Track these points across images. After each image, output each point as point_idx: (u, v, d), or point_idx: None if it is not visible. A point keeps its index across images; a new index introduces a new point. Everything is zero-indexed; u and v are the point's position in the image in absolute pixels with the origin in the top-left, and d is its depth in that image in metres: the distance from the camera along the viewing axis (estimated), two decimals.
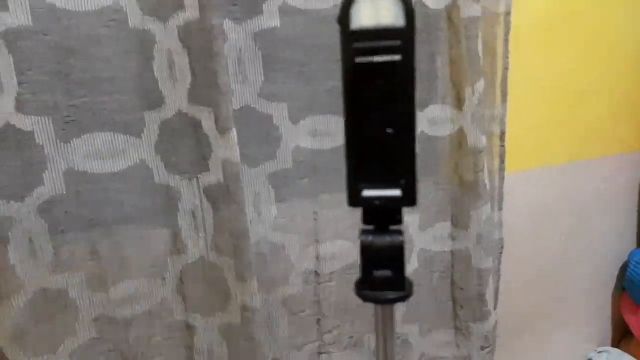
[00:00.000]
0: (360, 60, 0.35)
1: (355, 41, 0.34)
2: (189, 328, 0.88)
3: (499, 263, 1.16)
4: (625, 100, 1.32)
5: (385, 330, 0.44)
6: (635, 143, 1.39)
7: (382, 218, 0.40)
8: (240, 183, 0.78)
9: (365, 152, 0.38)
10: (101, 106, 0.77)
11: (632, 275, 1.39)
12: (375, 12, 0.33)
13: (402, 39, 0.34)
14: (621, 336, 1.51)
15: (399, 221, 0.40)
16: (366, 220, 0.40)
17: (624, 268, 1.45)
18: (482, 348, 1.13)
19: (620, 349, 1.44)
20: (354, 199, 0.39)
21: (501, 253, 1.16)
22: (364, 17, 0.33)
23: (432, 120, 1.01)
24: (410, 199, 0.38)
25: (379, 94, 0.35)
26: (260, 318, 0.86)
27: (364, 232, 0.40)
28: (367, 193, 0.39)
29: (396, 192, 0.37)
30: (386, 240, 0.39)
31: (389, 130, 0.36)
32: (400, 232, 0.40)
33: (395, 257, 0.39)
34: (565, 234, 1.32)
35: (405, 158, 0.37)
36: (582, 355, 1.42)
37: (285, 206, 0.93)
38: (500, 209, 1.12)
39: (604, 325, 1.49)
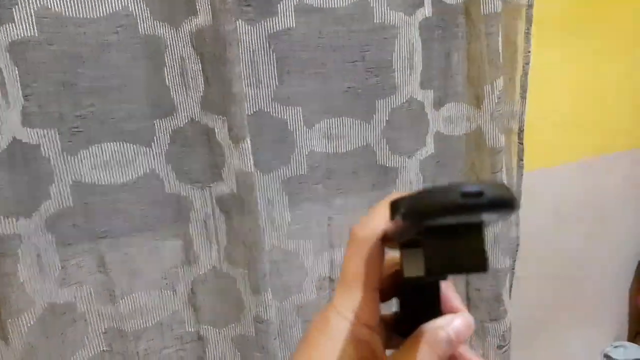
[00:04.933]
0: None
1: None
2: (201, 339, 0.86)
3: (514, 261, 1.13)
4: None
5: None
6: None
7: None
8: (254, 193, 0.75)
9: None
10: (109, 115, 0.74)
11: None
12: None
13: None
14: (637, 331, 1.50)
15: None
16: None
17: None
18: (499, 347, 1.11)
19: (636, 344, 1.42)
20: None
21: (516, 251, 1.13)
22: None
23: (448, 119, 0.98)
24: None
25: None
26: (274, 330, 0.84)
27: None
28: None
29: None
30: None
31: None
32: None
33: None
34: (584, 231, 1.30)
35: None
36: (598, 351, 1.41)
37: (299, 212, 0.90)
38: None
39: (621, 320, 1.47)
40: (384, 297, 0.32)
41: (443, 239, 0.25)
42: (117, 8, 0.70)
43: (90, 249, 0.77)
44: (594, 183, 1.27)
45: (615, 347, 1.41)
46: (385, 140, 0.92)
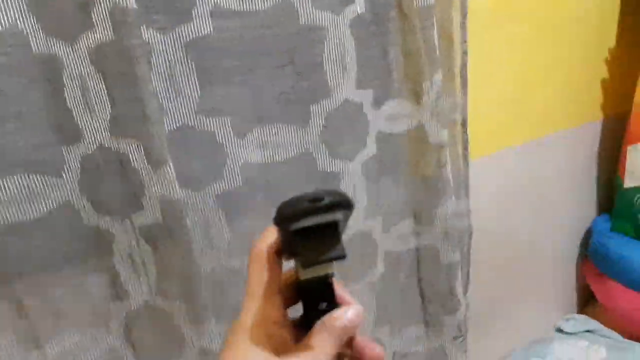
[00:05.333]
0: None
1: None
2: None
3: (469, 249, 1.12)
4: (579, 73, 1.29)
5: None
6: (591, 114, 1.37)
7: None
8: (182, 220, 0.70)
9: None
10: (11, 145, 0.66)
11: (596, 244, 1.40)
12: None
13: None
14: (585, 303, 1.54)
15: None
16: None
17: (587, 237, 1.47)
18: (455, 338, 1.11)
19: (585, 315, 1.47)
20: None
21: (470, 241, 1.12)
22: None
23: (389, 117, 0.94)
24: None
25: None
26: None
27: None
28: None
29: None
30: None
31: None
32: None
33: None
34: (531, 212, 1.31)
35: None
36: (551, 325, 1.44)
37: (239, 228, 0.85)
38: (467, 196, 1.08)
39: (570, 294, 1.51)
40: (291, 302, 0.38)
41: (309, 238, 0.32)
42: (4, 25, 0.61)
43: (6, 294, 0.69)
44: (537, 164, 1.28)
45: (567, 320, 1.45)
46: (324, 145, 0.87)
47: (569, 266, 1.47)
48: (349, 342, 0.39)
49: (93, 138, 0.67)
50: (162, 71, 0.71)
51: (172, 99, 0.73)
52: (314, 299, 0.37)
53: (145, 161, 0.66)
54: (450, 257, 1.03)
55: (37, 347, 0.72)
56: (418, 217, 1.02)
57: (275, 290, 0.36)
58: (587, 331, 1.41)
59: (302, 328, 0.37)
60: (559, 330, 1.44)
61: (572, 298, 1.52)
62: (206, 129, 0.78)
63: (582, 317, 1.46)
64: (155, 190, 0.68)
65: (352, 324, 0.36)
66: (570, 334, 1.41)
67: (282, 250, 0.37)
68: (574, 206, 1.41)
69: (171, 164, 0.67)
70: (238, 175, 0.82)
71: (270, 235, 0.37)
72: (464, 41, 0.96)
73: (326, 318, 0.36)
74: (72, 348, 0.75)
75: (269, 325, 0.35)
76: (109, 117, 0.66)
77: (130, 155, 0.67)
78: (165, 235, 0.71)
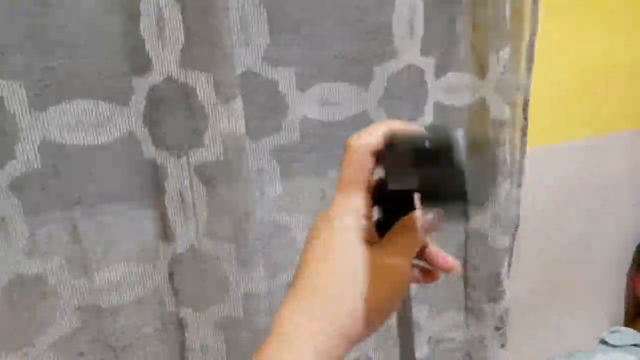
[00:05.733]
0: None
1: None
2: (181, 323, 0.80)
3: (513, 240, 1.09)
4: None
5: None
6: None
7: None
8: (245, 158, 0.69)
9: None
10: (81, 69, 0.67)
11: None
12: None
13: None
14: (634, 316, 1.47)
15: None
16: None
17: None
18: (497, 328, 1.07)
19: (632, 329, 1.39)
20: None
21: (516, 231, 1.09)
22: None
23: (449, 88, 0.92)
24: None
25: None
26: (265, 306, 0.79)
27: None
28: None
29: None
30: None
31: None
32: None
33: None
34: (585, 213, 1.25)
35: None
36: (594, 336, 1.37)
37: (290, 184, 0.84)
38: (519, 185, 1.04)
39: (618, 305, 1.44)
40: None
41: (434, 170, 0.33)
42: None
43: (62, 217, 0.70)
44: (597, 163, 1.23)
45: (612, 332, 1.38)
46: (383, 109, 0.86)
47: (620, 276, 1.40)
48: (422, 251, 0.41)
49: (163, 69, 0.67)
50: (234, 16, 0.72)
51: (241, 43, 0.74)
52: (395, 205, 0.38)
53: (214, 95, 0.66)
54: (499, 242, 0.99)
55: (85, 274, 0.73)
56: (470, 197, 0.99)
57: (366, 188, 0.37)
58: (634, 345, 1.33)
59: (378, 231, 0.39)
60: (603, 342, 1.37)
61: (620, 310, 1.44)
62: (270, 77, 0.78)
63: (630, 330, 1.38)
64: (220, 126, 0.68)
65: (431, 226, 0.37)
66: (615, 346, 1.34)
67: (379, 156, 0.37)
68: (631, 213, 1.35)
69: (240, 99, 0.67)
70: (296, 130, 0.82)
71: (368, 137, 0.37)
72: (535, 20, 0.93)
73: (406, 218, 0.37)
74: (118, 282, 0.75)
75: (360, 217, 0.36)
76: (181, 47, 0.66)
77: (197, 88, 0.67)
78: (224, 173, 0.70)
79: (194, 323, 0.80)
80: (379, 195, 0.39)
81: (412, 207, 0.38)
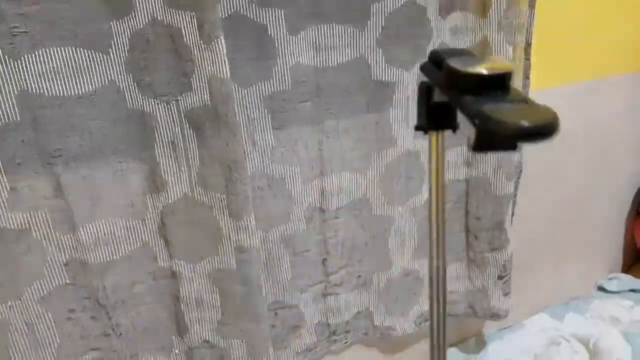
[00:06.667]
0: None
1: None
2: (174, 276, 0.78)
3: (516, 188, 1.06)
4: None
5: None
6: None
7: None
8: (231, 102, 0.65)
9: None
10: (58, 15, 0.62)
11: None
12: None
13: None
14: (632, 262, 1.47)
15: None
16: None
17: None
18: (500, 277, 1.05)
19: (630, 275, 1.40)
20: None
21: (519, 178, 1.06)
22: None
23: (453, 29, 0.87)
24: None
25: None
26: (258, 259, 0.76)
27: None
28: None
29: None
30: None
31: None
32: None
33: None
34: (585, 158, 1.23)
35: None
36: (593, 282, 1.38)
37: (284, 134, 0.80)
38: None
39: (616, 252, 1.43)
40: None
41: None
42: None
43: (43, 171, 0.67)
44: (597, 107, 1.19)
45: (610, 279, 1.39)
46: (381, 50, 0.81)
47: (618, 222, 1.39)
48: None
49: (145, 10, 0.62)
50: None
51: None
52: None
53: (197, 35, 0.62)
54: (502, 188, 0.97)
55: (71, 230, 0.70)
56: None
57: None
58: (632, 290, 1.34)
59: None
60: (601, 289, 1.38)
61: (618, 257, 1.44)
62: (258, 20, 0.73)
63: (627, 276, 1.39)
64: (206, 69, 0.63)
65: None
66: (613, 292, 1.34)
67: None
68: (631, 158, 1.32)
69: (223, 40, 0.62)
70: (288, 77, 0.77)
71: None
72: None
73: None
74: (105, 237, 0.72)
75: None
76: None
77: (183, 29, 0.62)
78: (212, 118, 0.66)
79: (188, 276, 0.78)
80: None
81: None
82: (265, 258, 0.85)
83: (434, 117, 0.48)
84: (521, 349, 1.16)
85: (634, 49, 1.19)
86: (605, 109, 1.21)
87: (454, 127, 0.48)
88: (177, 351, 0.84)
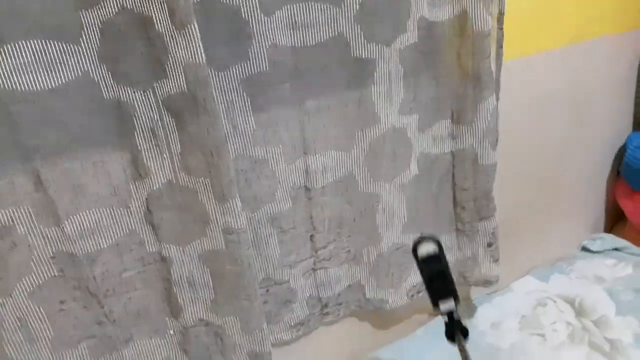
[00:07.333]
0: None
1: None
2: (164, 260, 0.79)
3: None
4: None
5: None
6: (636, 21, 1.26)
7: None
8: (209, 88, 0.65)
9: None
10: (22, 7, 0.60)
11: (629, 160, 1.33)
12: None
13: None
14: (614, 222, 1.50)
15: None
16: None
17: (620, 153, 1.40)
18: (489, 244, 1.07)
19: (613, 234, 1.43)
20: None
21: (496, 144, 1.07)
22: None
23: (432, 2, 0.86)
24: None
25: None
26: (246, 239, 0.77)
27: None
28: None
29: None
30: None
31: None
32: None
33: None
34: (564, 122, 1.23)
35: None
36: (576, 243, 1.41)
37: (265, 116, 0.80)
38: (497, 98, 1.00)
39: (598, 212, 1.46)
40: None
41: None
42: None
43: (22, 166, 0.66)
44: (576, 71, 1.19)
45: (593, 239, 1.41)
46: (359, 27, 0.80)
47: (599, 183, 1.42)
48: None
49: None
50: None
51: None
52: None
53: (169, 22, 0.60)
54: (488, 158, 0.98)
55: (55, 223, 0.70)
56: (456, 116, 0.96)
57: None
58: (615, 249, 1.37)
59: None
60: (585, 249, 1.41)
61: (601, 217, 1.47)
62: (231, 3, 0.71)
63: (610, 235, 1.42)
64: (180, 55, 0.62)
65: None
66: (597, 252, 1.38)
67: None
68: (609, 119, 1.33)
69: (196, 25, 0.61)
70: (264, 58, 0.77)
71: None
72: None
73: None
74: (91, 227, 0.72)
75: None
76: None
77: (154, 16, 0.61)
78: (190, 104, 0.66)
79: (178, 258, 0.79)
80: None
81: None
82: (254, 237, 0.86)
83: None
84: (509, 312, 1.19)
85: (612, 8, 1.18)
86: (584, 73, 1.21)
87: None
88: (171, 332, 0.85)
